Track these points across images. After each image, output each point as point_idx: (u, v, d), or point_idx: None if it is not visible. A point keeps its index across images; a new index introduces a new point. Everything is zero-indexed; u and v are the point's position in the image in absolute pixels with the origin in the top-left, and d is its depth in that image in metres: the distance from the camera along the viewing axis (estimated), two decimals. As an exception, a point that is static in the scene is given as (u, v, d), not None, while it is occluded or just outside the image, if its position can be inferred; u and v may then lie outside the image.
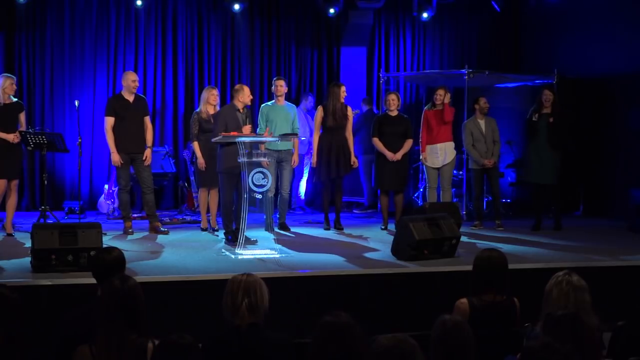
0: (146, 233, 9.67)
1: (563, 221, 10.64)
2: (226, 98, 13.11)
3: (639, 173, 11.40)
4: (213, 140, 9.05)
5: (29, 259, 7.15)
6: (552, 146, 10.36)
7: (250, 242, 8.58)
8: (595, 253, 8.66)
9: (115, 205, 11.28)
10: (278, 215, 10.27)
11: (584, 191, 12.78)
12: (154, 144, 10.51)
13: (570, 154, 11.27)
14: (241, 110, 9.20)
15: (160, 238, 9.38)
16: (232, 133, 8.55)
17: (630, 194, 10.70)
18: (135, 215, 10.62)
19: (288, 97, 11.14)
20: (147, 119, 9.90)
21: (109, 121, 9.63)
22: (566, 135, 10.59)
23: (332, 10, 13.11)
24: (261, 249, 8.30)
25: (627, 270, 7.69)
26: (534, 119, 10.47)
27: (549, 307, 4.26)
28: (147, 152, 9.73)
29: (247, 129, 9.03)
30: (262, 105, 10.45)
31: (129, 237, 9.41)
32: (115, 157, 9.55)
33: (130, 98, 9.72)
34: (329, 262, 7.85)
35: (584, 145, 12.49)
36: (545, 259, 8.21)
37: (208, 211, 10.10)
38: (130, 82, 9.72)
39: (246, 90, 9.33)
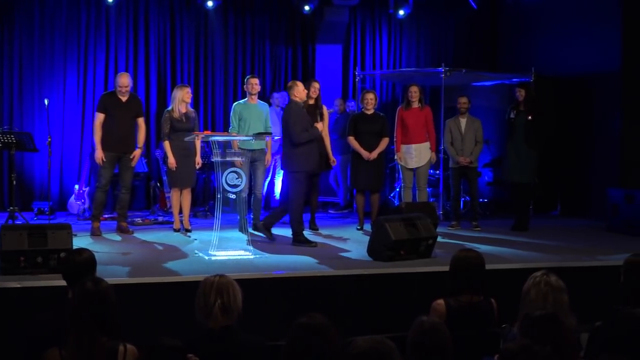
0: (116, 234, 9.63)
1: (540, 221, 10.74)
2: (199, 96, 13.11)
3: (616, 172, 11.49)
4: (186, 139, 9.05)
5: (-3, 261, 7.09)
6: (529, 144, 10.43)
7: (311, 245, 8.86)
8: (573, 253, 8.72)
9: (86, 205, 11.22)
10: (252, 216, 10.24)
11: (562, 190, 12.86)
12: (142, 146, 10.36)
13: (547, 152, 11.34)
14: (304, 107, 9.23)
15: (132, 239, 9.34)
16: (205, 132, 8.54)
17: (607, 193, 10.77)
18: (106, 216, 10.57)
19: (262, 96, 11.11)
20: (141, 120, 9.86)
21: (99, 117, 9.59)
22: (544, 133, 10.66)
23: (307, 8, 13.11)
24: (235, 250, 8.29)
25: (605, 270, 7.72)
26: (511, 116, 10.56)
27: (527, 308, 4.27)
28: (137, 153, 9.73)
29: (320, 125, 9.06)
30: (234, 103, 10.40)
31: (100, 238, 9.34)
32: (99, 154, 9.49)
33: (124, 97, 9.68)
34: (304, 263, 7.84)
35: (561, 143, 12.56)
36: (522, 259, 8.25)
37: (181, 212, 10.05)
38: (117, 86, 9.70)
39: (300, 85, 9.31)
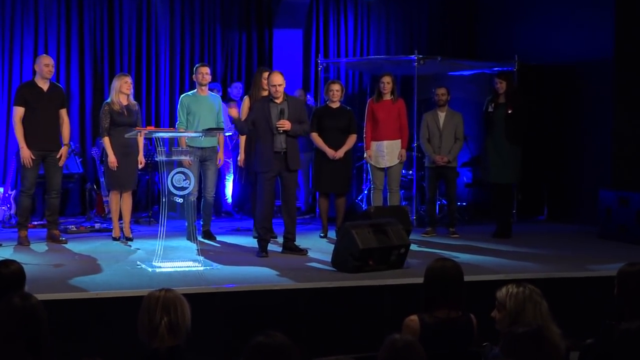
0: (47, 243, 9.55)
1: (525, 227, 10.80)
2: (141, 87, 13.04)
3: (608, 171, 11.54)
4: (127, 135, 9.01)
5: None
6: (511, 140, 10.48)
7: (301, 252, 9.05)
8: (561, 262, 8.78)
9: (12, 211, 11.12)
10: (202, 222, 10.22)
11: (549, 193, 12.93)
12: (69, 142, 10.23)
13: (532, 149, 11.41)
14: (278, 101, 9.05)
15: (65, 249, 9.27)
16: (149, 127, 8.51)
17: (599, 196, 10.84)
18: (35, 223, 10.48)
19: (224, 91, 11.09)
20: (64, 112, 9.73)
21: (19, 112, 9.42)
22: (525, 128, 10.71)
23: (263, -13, 13.14)
24: (182, 261, 8.25)
25: (597, 281, 7.80)
26: (489, 110, 10.60)
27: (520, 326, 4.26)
28: (63, 151, 9.60)
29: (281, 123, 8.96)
30: (182, 95, 10.37)
31: (28, 248, 9.25)
32: (26, 153, 9.33)
33: (45, 86, 9.55)
34: (260, 275, 7.83)
35: (548, 140, 12.64)
36: (505, 269, 8.28)
37: (120, 218, 9.99)
38: (43, 66, 9.51)
39: (264, 74, 9.30)
